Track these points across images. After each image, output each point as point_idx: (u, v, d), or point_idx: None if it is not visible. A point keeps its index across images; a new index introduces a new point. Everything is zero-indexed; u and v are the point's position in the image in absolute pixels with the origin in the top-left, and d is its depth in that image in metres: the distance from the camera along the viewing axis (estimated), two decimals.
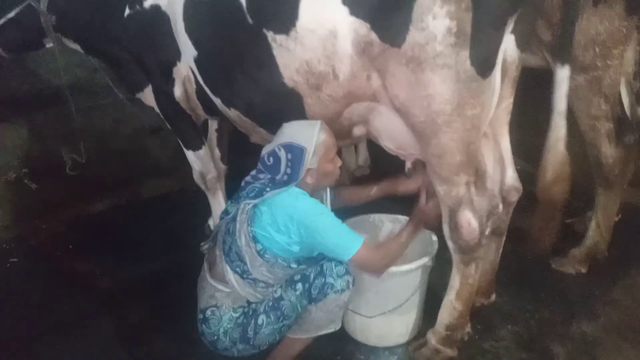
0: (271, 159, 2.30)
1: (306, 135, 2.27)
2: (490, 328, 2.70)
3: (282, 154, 2.26)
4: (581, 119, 2.76)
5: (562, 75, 2.27)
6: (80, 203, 4.00)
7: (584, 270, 3.03)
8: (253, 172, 2.41)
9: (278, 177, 2.29)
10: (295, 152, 2.25)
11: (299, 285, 2.33)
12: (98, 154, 3.93)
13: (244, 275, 2.32)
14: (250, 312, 2.35)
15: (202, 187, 3.31)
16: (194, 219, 3.73)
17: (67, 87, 3.31)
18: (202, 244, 3.47)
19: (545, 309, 2.81)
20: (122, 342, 2.84)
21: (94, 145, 3.88)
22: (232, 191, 2.55)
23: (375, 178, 2.79)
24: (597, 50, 2.54)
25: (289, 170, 2.26)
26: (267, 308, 2.34)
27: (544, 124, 2.37)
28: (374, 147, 2.65)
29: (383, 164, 2.72)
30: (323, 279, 2.30)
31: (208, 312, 2.36)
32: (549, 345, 2.59)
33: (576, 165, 2.38)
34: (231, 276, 2.33)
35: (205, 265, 2.49)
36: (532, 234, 2.43)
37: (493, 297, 2.83)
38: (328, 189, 2.52)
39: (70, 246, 3.66)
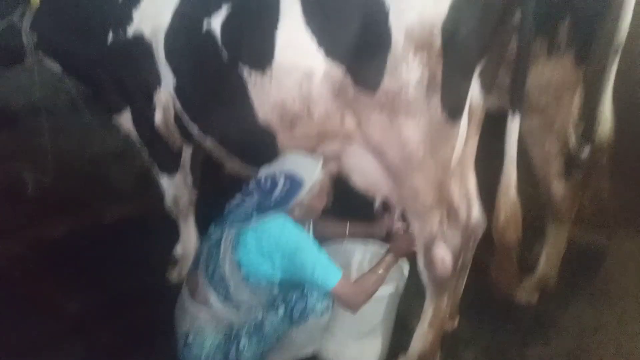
0: (269, 182, 2.35)
1: (309, 170, 2.36)
2: (453, 353, 2.83)
3: (281, 181, 2.33)
4: (534, 157, 2.96)
5: (514, 123, 2.31)
6: (41, 225, 3.88)
7: (535, 299, 3.20)
8: (239, 196, 2.45)
9: (267, 202, 2.33)
10: (295, 184, 2.32)
11: (281, 309, 2.38)
12: (60, 176, 3.85)
13: (227, 299, 2.35)
14: (232, 337, 2.37)
15: (174, 211, 3.32)
16: (157, 244, 3.67)
17: (42, 107, 3.29)
18: (168, 269, 3.45)
19: (502, 335, 2.97)
20: None
21: (55, 167, 3.81)
22: (202, 216, 2.57)
23: (337, 213, 2.87)
24: (550, 94, 2.75)
25: (279, 199, 2.32)
26: (248, 331, 2.37)
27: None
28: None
29: (345, 199, 2.86)
30: (304, 302, 2.36)
31: (190, 338, 2.38)
32: None
33: (525, 202, 2.45)
34: (214, 300, 2.36)
35: (186, 290, 2.49)
36: (492, 276, 2.51)
37: (456, 322, 2.97)
38: (311, 221, 2.62)
39: (31, 267, 3.54)
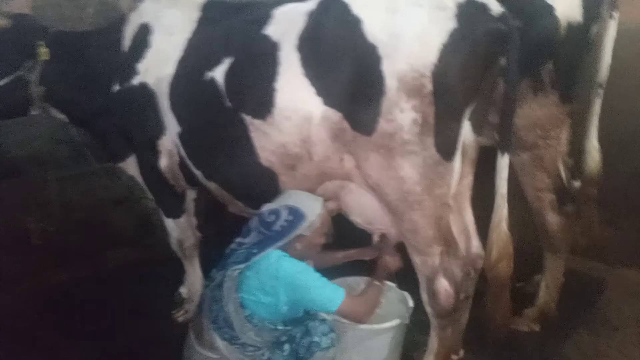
0: (272, 216, 2.42)
1: (311, 206, 2.44)
2: None
3: (284, 213, 2.40)
4: (527, 191, 3.07)
5: (503, 162, 2.41)
6: (44, 273, 3.89)
7: (537, 329, 3.25)
8: (238, 239, 2.50)
9: (267, 232, 2.38)
10: (297, 216, 2.39)
11: (286, 346, 2.40)
12: (62, 224, 3.92)
13: (232, 341, 2.37)
14: None
15: (179, 254, 3.36)
16: (161, 289, 3.70)
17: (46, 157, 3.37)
18: (173, 312, 3.49)
19: None
20: None
21: (58, 215, 3.88)
22: (206, 259, 2.61)
23: (338, 246, 2.94)
24: (538, 131, 2.87)
25: (279, 229, 2.38)
26: None
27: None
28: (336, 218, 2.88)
29: (345, 234, 2.94)
30: (309, 338, 2.39)
31: None
32: None
33: (521, 234, 2.57)
34: (219, 343, 2.39)
35: (192, 334, 2.52)
36: (487, 310, 2.56)
37: (461, 353, 2.99)
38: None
39: (36, 314, 3.53)
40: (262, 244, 2.39)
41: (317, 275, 2.38)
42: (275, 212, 2.42)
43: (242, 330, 2.35)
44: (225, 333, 2.38)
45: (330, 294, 2.33)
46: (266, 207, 2.49)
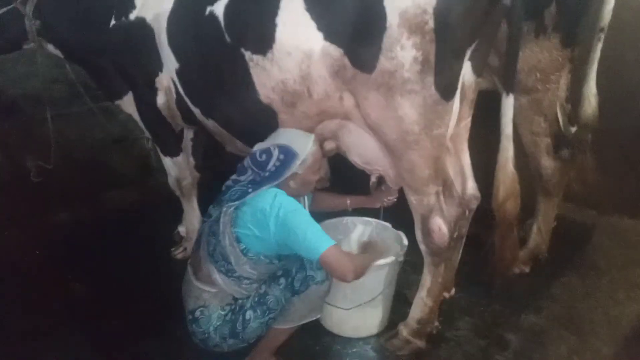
0: (264, 155, 2.41)
1: (302, 143, 2.43)
2: (451, 320, 2.96)
3: (275, 152, 2.39)
4: (524, 136, 3.09)
5: (508, 103, 2.43)
6: (45, 213, 3.94)
7: (527, 270, 3.35)
8: (234, 176, 2.52)
9: (261, 173, 2.39)
10: (289, 155, 2.39)
11: (282, 280, 2.46)
12: (61, 163, 3.92)
13: (229, 274, 2.42)
14: (237, 309, 2.46)
15: (177, 192, 3.40)
16: (160, 229, 3.77)
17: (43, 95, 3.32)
18: (172, 249, 3.56)
19: (497, 303, 3.10)
20: (108, 346, 2.83)
21: (56, 155, 3.87)
22: (204, 198, 2.63)
23: (334, 189, 3.02)
24: (538, 75, 2.87)
25: (273, 169, 2.38)
26: (253, 304, 2.45)
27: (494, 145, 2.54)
28: (333, 160, 2.88)
29: (342, 177, 2.97)
30: (304, 272, 2.44)
31: (197, 313, 2.46)
32: (503, 333, 2.88)
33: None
34: (217, 275, 2.44)
35: (190, 269, 2.57)
36: (495, 250, 2.59)
37: (453, 291, 3.11)
38: (306, 196, 2.69)
39: (36, 254, 3.59)
40: (257, 183, 2.40)
41: (307, 218, 2.36)
42: (267, 152, 2.41)
43: (239, 263, 2.40)
44: (221, 266, 2.42)
45: (315, 241, 2.28)
46: (257, 147, 2.48)
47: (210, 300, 2.46)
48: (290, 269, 2.48)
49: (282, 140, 2.44)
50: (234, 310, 2.46)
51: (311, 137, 2.47)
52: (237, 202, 2.39)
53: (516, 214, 2.55)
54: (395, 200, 2.86)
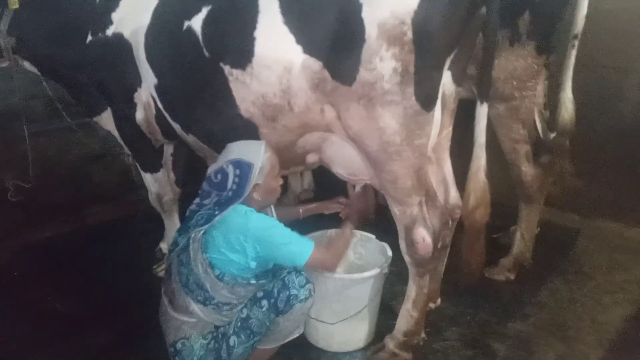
0: (219, 176, 2.35)
1: (253, 152, 2.36)
2: (438, 330, 2.94)
3: (229, 169, 2.33)
4: (503, 142, 3.11)
5: (482, 111, 2.43)
6: (25, 230, 3.86)
7: (512, 277, 3.36)
8: (197, 200, 2.45)
9: (224, 194, 2.33)
10: (243, 168, 2.32)
11: (264, 302, 2.42)
12: (41, 180, 3.87)
13: (207, 302, 2.35)
14: (220, 336, 2.41)
15: (158, 209, 3.36)
16: (141, 245, 3.73)
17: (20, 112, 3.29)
18: (154, 266, 3.51)
19: (483, 312, 3.09)
20: None
21: (36, 172, 3.82)
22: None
23: (318, 200, 2.98)
24: (514, 83, 2.91)
25: (234, 187, 2.32)
26: (236, 329, 2.41)
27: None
28: (317, 172, 2.84)
29: (326, 188, 2.95)
30: (287, 292, 2.40)
31: (179, 345, 2.39)
32: (490, 343, 2.87)
33: (497, 187, 2.58)
34: (194, 306, 2.36)
35: (165, 299, 2.48)
36: (462, 255, 2.61)
37: (439, 301, 3.09)
38: (272, 207, 2.62)
39: (16, 274, 3.52)
40: (223, 204, 2.33)
41: (286, 230, 2.33)
42: (221, 171, 2.35)
43: (215, 289, 2.33)
44: (198, 295, 2.35)
45: (298, 249, 2.30)
46: (211, 168, 2.42)
47: (191, 331, 2.39)
48: (271, 290, 2.42)
49: (232, 155, 2.37)
50: (216, 338, 2.41)
51: (262, 144, 2.41)
52: (205, 226, 2.31)
53: (485, 223, 2.55)
54: (367, 206, 2.74)
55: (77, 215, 4.14)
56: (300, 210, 2.89)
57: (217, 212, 2.31)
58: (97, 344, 2.91)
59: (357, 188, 2.77)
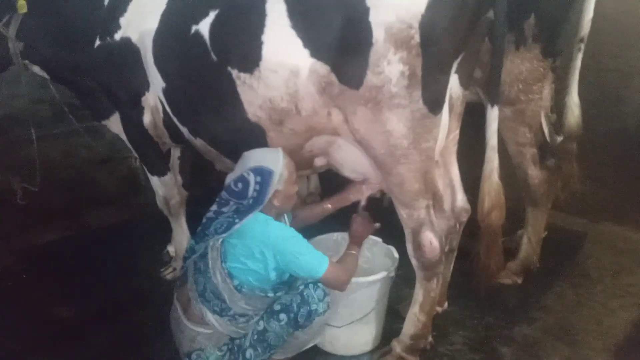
0: (239, 184, 2.37)
1: (272, 159, 2.39)
2: (444, 334, 2.94)
3: (251, 177, 2.35)
4: (509, 146, 3.11)
5: (492, 114, 2.45)
6: (30, 233, 3.88)
7: (520, 281, 3.35)
8: (214, 207, 2.45)
9: (244, 202, 2.34)
10: (265, 174, 2.34)
11: (283, 316, 2.40)
12: (46, 184, 3.87)
13: (223, 313, 2.36)
14: (236, 349, 2.42)
15: (165, 212, 3.36)
16: (146, 248, 3.74)
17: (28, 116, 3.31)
18: (161, 269, 3.52)
19: (489, 315, 3.08)
20: None
21: (42, 175, 3.83)
22: (192, 216, 2.57)
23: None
24: (520, 86, 2.91)
25: (255, 194, 2.34)
26: (252, 341, 2.42)
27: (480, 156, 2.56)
28: (323, 175, 2.84)
29: (333, 190, 2.95)
30: (307, 307, 2.38)
31: (194, 356, 2.40)
32: (496, 346, 2.86)
33: (505, 190, 2.56)
34: (210, 317, 2.37)
35: (178, 307, 2.48)
36: (479, 259, 2.60)
37: (445, 305, 3.08)
38: (285, 215, 2.62)
39: (21, 276, 3.52)
40: (242, 212, 2.34)
41: (305, 241, 2.37)
42: (242, 179, 2.37)
43: (232, 299, 2.34)
44: (215, 305, 2.36)
45: (316, 261, 2.33)
46: (229, 177, 2.44)
47: (206, 342, 2.41)
48: (290, 304, 2.40)
49: (252, 163, 2.39)
50: (232, 350, 2.42)
51: (279, 151, 2.43)
52: (224, 235, 2.32)
53: (501, 225, 2.56)
54: (370, 228, 2.70)
55: (84, 217, 4.15)
56: (329, 206, 2.83)
57: (237, 220, 2.32)
58: (98, 348, 2.91)
59: (362, 202, 2.75)
